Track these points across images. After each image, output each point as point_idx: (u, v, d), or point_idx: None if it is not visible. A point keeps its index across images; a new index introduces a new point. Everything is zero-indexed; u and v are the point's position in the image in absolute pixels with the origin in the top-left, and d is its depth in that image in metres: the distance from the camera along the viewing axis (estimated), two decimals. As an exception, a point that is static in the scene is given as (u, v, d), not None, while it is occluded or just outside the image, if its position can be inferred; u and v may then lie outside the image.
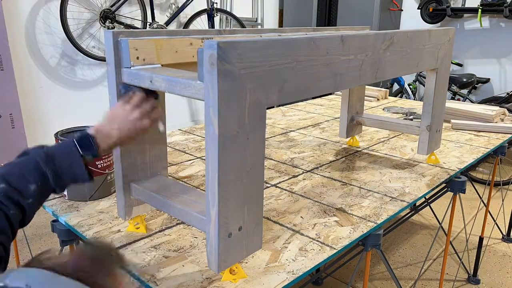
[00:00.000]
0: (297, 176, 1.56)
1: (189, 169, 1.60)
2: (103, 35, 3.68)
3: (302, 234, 1.15)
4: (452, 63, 4.23)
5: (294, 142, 1.95)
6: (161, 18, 4.12)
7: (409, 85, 4.25)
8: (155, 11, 3.94)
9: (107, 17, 3.56)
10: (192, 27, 4.20)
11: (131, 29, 1.23)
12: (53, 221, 1.22)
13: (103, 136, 0.92)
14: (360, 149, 1.87)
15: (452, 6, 4.16)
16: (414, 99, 4.13)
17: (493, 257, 2.60)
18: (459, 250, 2.60)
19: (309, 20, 4.82)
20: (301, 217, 1.25)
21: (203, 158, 1.71)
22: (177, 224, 1.20)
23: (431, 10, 4.19)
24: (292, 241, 1.12)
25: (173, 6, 4.21)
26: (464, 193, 1.60)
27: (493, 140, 2.01)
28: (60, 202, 1.30)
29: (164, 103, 1.16)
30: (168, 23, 3.98)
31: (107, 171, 1.32)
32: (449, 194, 1.67)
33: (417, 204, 2.25)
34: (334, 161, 1.72)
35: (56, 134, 1.30)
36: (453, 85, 3.90)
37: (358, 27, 1.83)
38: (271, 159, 1.72)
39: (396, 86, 4.49)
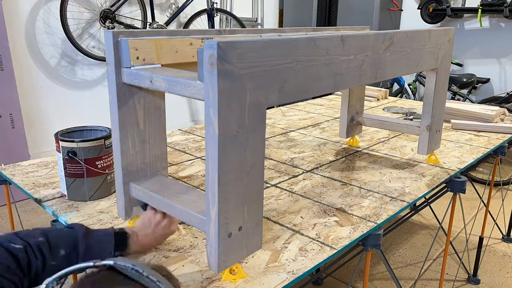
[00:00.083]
0: (297, 176, 1.56)
1: (189, 169, 1.60)
2: (103, 35, 3.68)
3: (302, 234, 1.15)
4: (452, 63, 4.23)
5: (294, 142, 1.95)
6: (161, 18, 4.12)
7: (409, 85, 4.25)
8: (155, 11, 3.94)
9: (107, 17, 3.56)
10: (192, 27, 4.20)
11: (131, 29, 1.23)
12: (53, 221, 1.22)
13: (137, 240, 0.99)
14: (360, 149, 1.87)
15: (452, 6, 4.16)
16: (414, 99, 4.13)
17: (493, 257, 2.60)
18: (459, 250, 2.60)
19: (309, 20, 4.82)
20: (301, 217, 1.25)
21: (203, 158, 1.71)
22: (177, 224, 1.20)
23: (431, 10, 4.19)
24: (292, 241, 1.12)
25: (173, 6, 4.21)
26: (464, 193, 1.60)
27: (493, 140, 2.01)
28: (60, 202, 1.30)
29: (164, 103, 1.16)
30: (168, 23, 3.98)
31: (107, 171, 1.32)
32: (449, 194, 1.67)
33: (417, 204, 2.25)
34: (334, 161, 1.72)
35: (56, 134, 1.30)
36: (453, 85, 3.90)
37: (358, 27, 1.83)
38: (271, 159, 1.72)
39: (396, 86, 4.49)
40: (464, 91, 4.07)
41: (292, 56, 0.94)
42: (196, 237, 1.13)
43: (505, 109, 2.33)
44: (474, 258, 2.40)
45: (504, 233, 2.83)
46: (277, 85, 0.92)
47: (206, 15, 4.16)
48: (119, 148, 1.09)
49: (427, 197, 1.72)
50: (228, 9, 4.60)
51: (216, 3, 4.31)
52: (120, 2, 3.60)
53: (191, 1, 4.04)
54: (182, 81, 0.89)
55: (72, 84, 3.67)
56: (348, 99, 1.82)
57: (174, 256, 1.05)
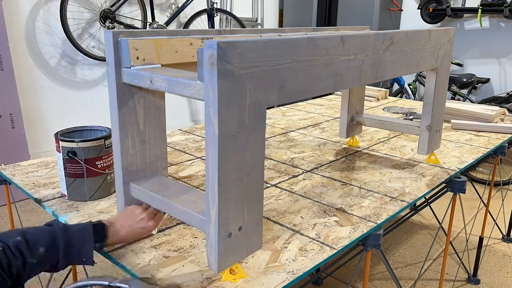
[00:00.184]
0: (297, 176, 1.56)
1: (189, 169, 1.60)
2: (103, 35, 3.68)
3: (302, 234, 1.15)
4: (452, 63, 4.23)
5: (294, 142, 1.95)
6: (161, 18, 4.12)
7: (409, 85, 4.25)
8: (155, 11, 3.94)
9: (107, 17, 3.56)
10: (192, 27, 4.20)
11: (131, 29, 1.23)
12: (53, 221, 1.22)
13: (114, 230, 1.01)
14: (360, 149, 1.87)
15: (452, 6, 4.16)
16: (414, 99, 4.13)
17: (493, 257, 2.60)
18: (459, 250, 2.60)
19: (309, 20, 4.82)
20: (301, 217, 1.25)
21: (203, 158, 1.71)
22: (177, 224, 1.20)
23: (431, 10, 4.19)
24: (292, 241, 1.12)
25: (173, 6, 4.21)
26: (464, 193, 1.60)
27: (493, 140, 2.01)
28: (60, 202, 1.30)
29: (164, 103, 1.16)
30: (168, 23, 3.98)
31: (107, 171, 1.32)
32: (449, 194, 1.67)
33: (417, 204, 2.25)
34: (334, 161, 1.72)
35: (56, 134, 1.30)
36: (453, 85, 3.90)
37: (358, 27, 1.83)
38: (271, 159, 1.72)
39: (396, 86, 4.49)
40: (464, 91, 4.07)
41: (292, 56, 0.94)
42: (196, 237, 1.13)
43: (505, 109, 2.33)
44: (474, 258, 2.40)
45: (504, 233, 2.83)
46: (277, 85, 0.92)
47: (206, 15, 4.16)
48: (119, 148, 1.09)
49: (427, 197, 1.72)
50: (228, 9, 4.60)
51: (216, 3, 4.31)
52: (120, 2, 3.60)
53: (191, 1, 4.04)
54: (182, 81, 0.89)
55: (72, 84, 3.67)
56: (348, 99, 1.82)
57: (174, 256, 1.05)
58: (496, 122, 2.18)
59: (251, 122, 0.87)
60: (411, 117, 2.38)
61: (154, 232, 1.14)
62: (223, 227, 0.87)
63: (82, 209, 1.26)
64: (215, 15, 4.21)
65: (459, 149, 1.87)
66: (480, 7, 3.92)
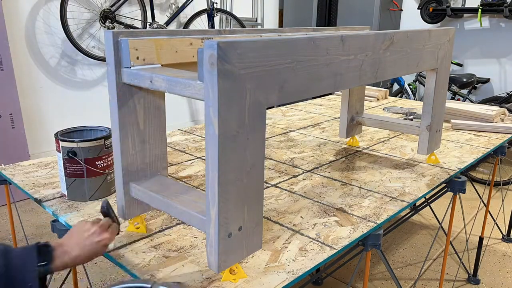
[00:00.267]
0: (297, 176, 1.56)
1: (189, 169, 1.60)
2: (103, 35, 3.68)
3: (302, 234, 1.15)
4: (452, 63, 4.23)
5: (294, 142, 1.95)
6: (161, 18, 4.12)
7: (409, 85, 4.25)
8: (155, 11, 3.94)
9: (107, 17, 3.56)
10: (192, 27, 4.20)
11: (131, 29, 1.23)
12: (53, 221, 1.22)
13: (62, 251, 0.90)
14: (360, 149, 1.87)
15: (452, 6, 4.16)
16: (414, 99, 4.13)
17: (493, 257, 2.60)
18: (459, 250, 2.60)
19: (309, 20, 4.82)
20: (301, 217, 1.25)
21: (203, 158, 1.71)
22: (177, 224, 1.20)
23: (431, 10, 4.19)
24: (292, 241, 1.12)
25: (173, 6, 4.21)
26: (464, 193, 1.60)
27: (493, 140, 2.01)
28: (60, 202, 1.30)
29: (164, 103, 1.16)
30: (168, 23, 3.98)
31: (107, 171, 1.32)
32: (449, 194, 1.67)
33: (417, 204, 2.25)
34: (334, 161, 1.72)
35: (56, 134, 1.30)
36: (453, 85, 3.90)
37: (358, 27, 1.83)
38: (271, 159, 1.72)
39: (396, 86, 4.49)
40: (464, 91, 4.07)
41: (292, 56, 0.94)
42: (196, 237, 1.13)
43: (505, 109, 2.33)
44: (474, 258, 2.41)
45: (504, 233, 2.83)
46: (277, 85, 0.92)
47: (206, 15, 4.16)
48: (119, 148, 1.09)
49: (427, 197, 1.72)
50: (228, 9, 4.60)
51: (216, 3, 4.31)
52: (120, 2, 3.60)
53: (191, 1, 4.04)
54: (182, 81, 0.89)
55: (72, 84, 3.67)
56: (348, 99, 1.82)
57: (174, 256, 1.05)
58: (496, 122, 2.18)
59: (251, 122, 0.87)
60: (411, 117, 2.38)
61: (111, 245, 1.07)
62: (223, 227, 0.87)
63: (82, 209, 1.26)
64: (215, 15, 4.21)
65: (459, 149, 1.87)
66: (480, 7, 3.92)
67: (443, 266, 1.88)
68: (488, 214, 2.44)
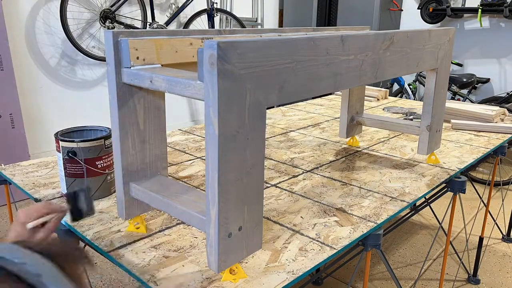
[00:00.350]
0: (297, 176, 1.56)
1: (189, 169, 1.60)
2: (103, 35, 3.68)
3: (302, 234, 1.15)
4: (452, 63, 4.23)
5: (294, 142, 1.95)
6: (161, 18, 4.12)
7: (409, 85, 4.25)
8: (155, 11, 3.94)
9: (107, 17, 3.56)
10: (192, 27, 4.20)
11: (131, 29, 1.23)
12: None
13: None
14: (360, 149, 1.87)
15: (452, 6, 4.16)
16: (414, 99, 4.13)
17: (493, 257, 2.60)
18: (459, 250, 2.60)
19: (309, 20, 4.82)
20: (301, 217, 1.25)
21: (203, 158, 1.71)
22: (177, 224, 1.20)
23: (431, 10, 4.19)
24: (292, 241, 1.12)
25: (173, 6, 4.21)
26: (464, 193, 1.60)
27: (493, 140, 2.01)
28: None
29: (164, 103, 1.16)
30: (168, 23, 3.98)
31: (107, 171, 1.32)
32: (449, 194, 1.67)
33: (417, 204, 2.25)
34: (334, 161, 1.72)
35: (56, 134, 1.30)
36: (453, 85, 3.90)
37: (358, 27, 1.83)
38: (271, 159, 1.72)
39: (396, 86, 4.49)
40: (464, 91, 4.07)
41: (292, 56, 0.94)
42: (196, 237, 1.13)
43: (505, 109, 2.33)
44: (474, 258, 2.41)
45: (504, 233, 2.83)
46: (277, 85, 0.92)
47: (206, 15, 4.16)
48: (119, 148, 1.09)
49: (427, 197, 1.72)
50: (228, 9, 4.60)
51: (216, 3, 4.31)
52: (120, 2, 3.60)
53: (191, 1, 4.04)
54: (182, 81, 0.89)
55: (72, 84, 3.67)
56: (348, 99, 1.82)
57: (174, 256, 1.05)
58: (496, 122, 2.18)
59: (251, 122, 0.87)
60: (411, 117, 2.38)
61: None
62: (223, 227, 0.87)
63: (82, 209, 1.26)
64: (215, 15, 4.21)
65: (459, 149, 1.87)
66: (480, 7, 3.92)
67: (443, 266, 1.88)
68: (488, 214, 2.44)
